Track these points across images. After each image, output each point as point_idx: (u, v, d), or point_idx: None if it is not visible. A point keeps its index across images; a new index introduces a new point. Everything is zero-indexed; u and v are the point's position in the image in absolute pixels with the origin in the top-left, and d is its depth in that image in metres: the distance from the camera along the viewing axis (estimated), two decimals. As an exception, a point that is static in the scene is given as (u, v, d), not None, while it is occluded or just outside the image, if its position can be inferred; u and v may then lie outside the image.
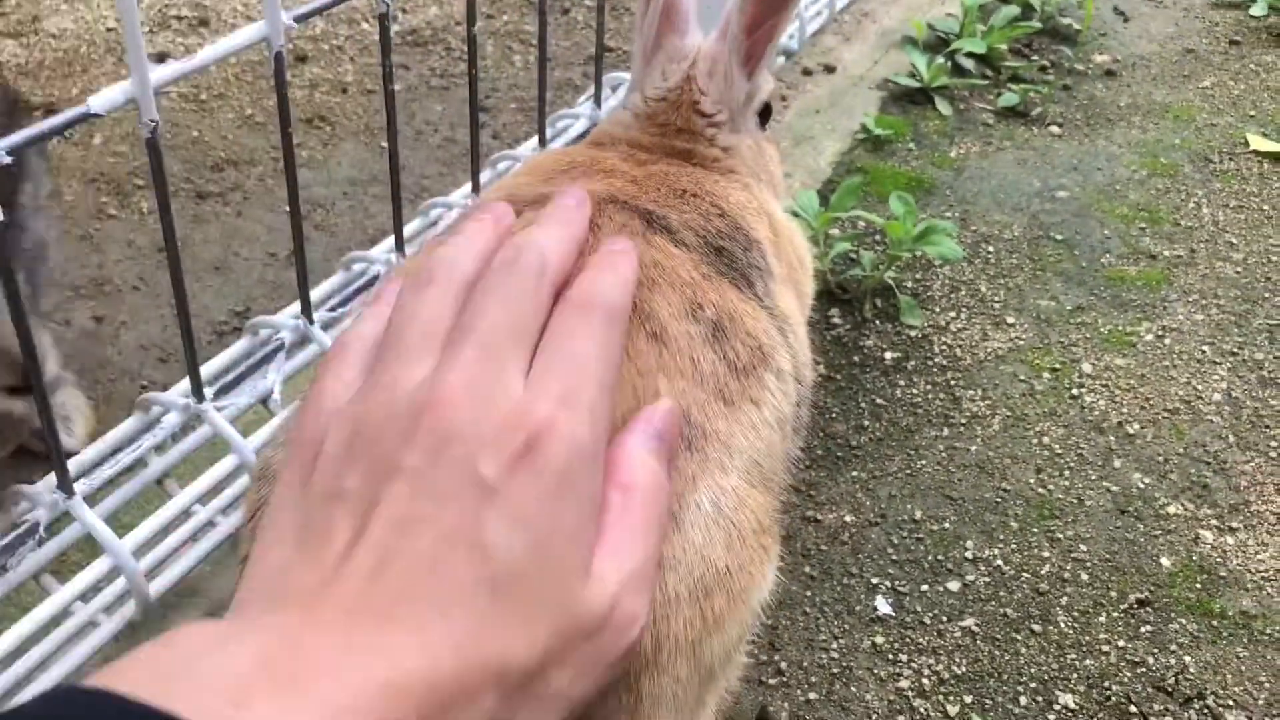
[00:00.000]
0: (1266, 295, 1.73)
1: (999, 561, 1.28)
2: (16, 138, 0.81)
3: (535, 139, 1.59)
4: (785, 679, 1.15)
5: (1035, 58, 2.44)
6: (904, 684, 1.15)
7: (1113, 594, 1.25)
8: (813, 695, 1.13)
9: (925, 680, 1.15)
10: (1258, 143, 2.14)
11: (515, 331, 0.56)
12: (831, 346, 1.59)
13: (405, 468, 0.51)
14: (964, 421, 1.47)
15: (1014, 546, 1.30)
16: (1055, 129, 2.19)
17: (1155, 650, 1.19)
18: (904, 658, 1.17)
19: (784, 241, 1.01)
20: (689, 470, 0.66)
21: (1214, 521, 1.34)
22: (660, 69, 1.02)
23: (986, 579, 1.26)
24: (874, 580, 1.25)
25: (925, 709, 1.12)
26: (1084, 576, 1.27)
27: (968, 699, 1.13)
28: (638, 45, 1.03)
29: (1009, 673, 1.16)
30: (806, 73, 2.30)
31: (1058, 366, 1.57)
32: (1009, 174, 2.03)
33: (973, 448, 1.43)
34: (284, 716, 0.40)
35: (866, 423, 1.47)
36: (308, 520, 0.52)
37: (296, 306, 1.25)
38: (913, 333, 1.62)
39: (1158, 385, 1.55)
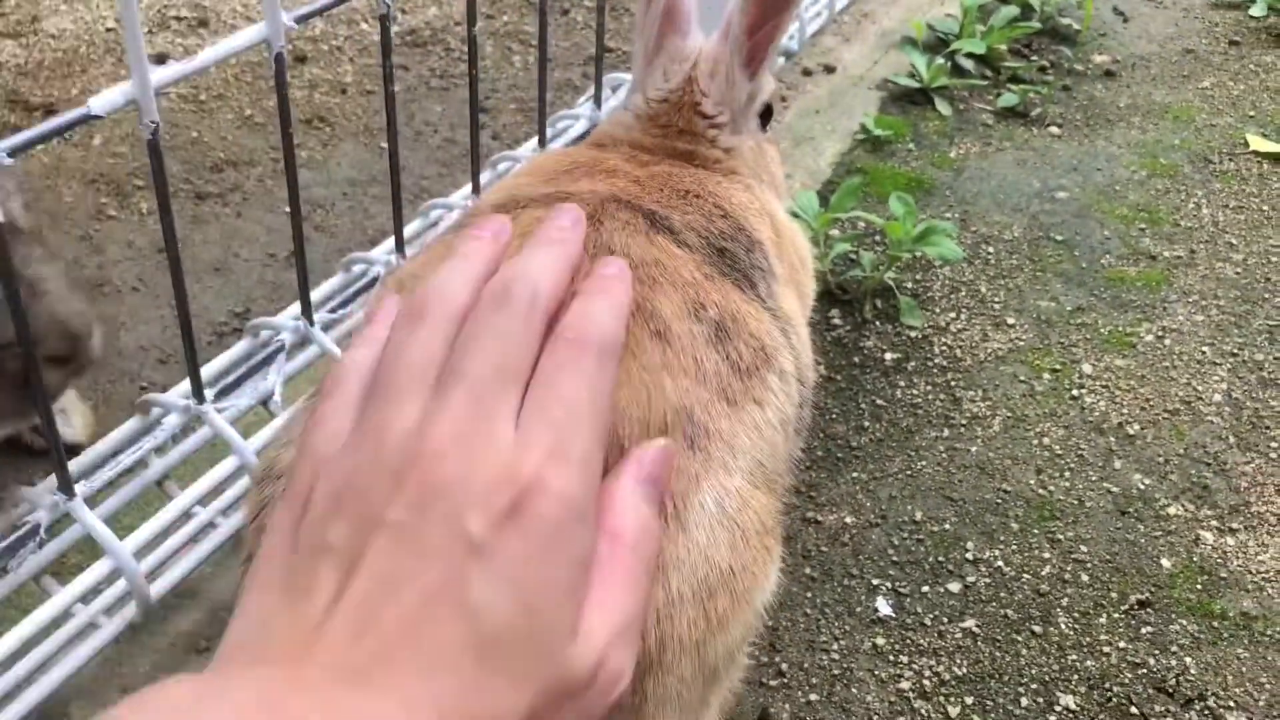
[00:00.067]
0: (1266, 296, 1.73)
1: (1000, 563, 1.28)
2: (18, 139, 0.81)
3: (535, 140, 1.59)
4: (786, 680, 1.14)
5: (1035, 58, 2.44)
6: (905, 685, 1.15)
7: (1113, 595, 1.25)
8: (814, 696, 1.13)
9: (926, 681, 1.15)
10: (1257, 143, 2.14)
11: (505, 373, 0.55)
12: (832, 347, 1.59)
13: (391, 522, 0.50)
14: (964, 422, 1.47)
15: (1015, 548, 1.30)
16: (1055, 129, 2.19)
17: (1156, 651, 1.19)
18: (905, 659, 1.17)
19: (786, 242, 1.01)
20: (692, 469, 0.66)
21: (1214, 522, 1.34)
22: (662, 70, 1.02)
23: (987, 580, 1.26)
24: (875, 581, 1.25)
25: (926, 710, 1.12)
26: (1084, 577, 1.27)
27: (969, 700, 1.13)
28: (639, 46, 1.03)
29: (1010, 674, 1.16)
30: (806, 73, 2.30)
31: (1058, 367, 1.57)
32: (1009, 174, 2.03)
33: (973, 449, 1.43)
34: None
35: (867, 424, 1.47)
36: (293, 572, 0.51)
37: (297, 308, 1.25)
38: (913, 333, 1.62)
39: (1158, 386, 1.55)
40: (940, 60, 2.29)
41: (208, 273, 1.71)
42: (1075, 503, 1.36)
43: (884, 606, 1.23)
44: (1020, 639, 1.20)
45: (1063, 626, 1.21)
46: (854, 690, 1.14)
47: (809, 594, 1.24)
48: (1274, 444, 1.46)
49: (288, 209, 1.15)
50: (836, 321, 1.64)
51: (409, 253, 1.35)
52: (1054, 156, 2.10)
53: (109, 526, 1.02)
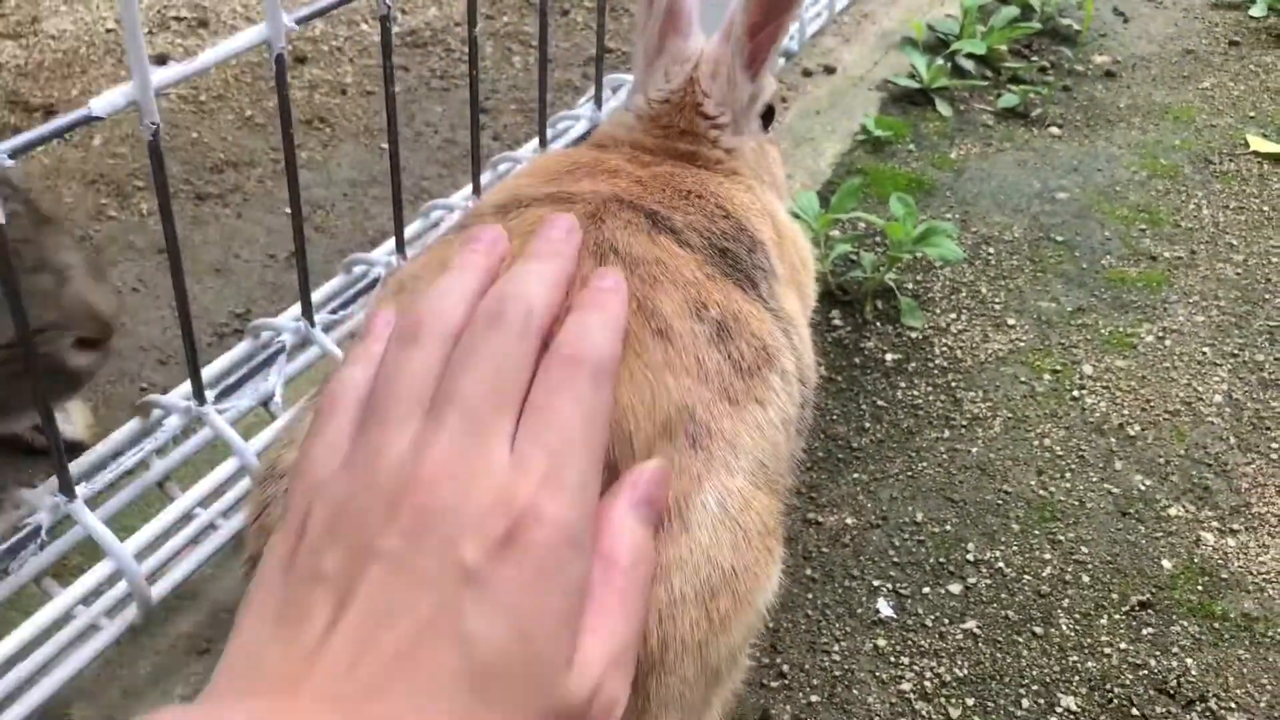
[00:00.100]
0: (1267, 297, 1.73)
1: (1000, 564, 1.28)
2: (19, 140, 0.81)
3: (536, 140, 1.59)
4: (787, 681, 1.14)
5: (1035, 59, 2.44)
6: (906, 686, 1.15)
7: (1114, 596, 1.25)
8: (814, 698, 1.13)
9: (927, 683, 1.15)
10: (1257, 144, 2.14)
11: (499, 396, 0.55)
12: (832, 348, 1.59)
13: (385, 551, 0.49)
14: (965, 423, 1.47)
15: (1015, 549, 1.30)
16: (1055, 130, 2.19)
17: (1157, 653, 1.19)
18: (906, 660, 1.17)
19: (787, 243, 1.01)
20: (694, 469, 0.66)
21: (1215, 524, 1.34)
22: (663, 71, 1.02)
23: (988, 581, 1.26)
24: (875, 582, 1.25)
25: (927, 712, 1.12)
26: (1085, 579, 1.27)
27: (970, 701, 1.13)
28: (640, 47, 1.03)
29: (1011, 675, 1.16)
30: (806, 74, 2.30)
31: (1059, 368, 1.57)
32: (1009, 175, 2.03)
33: (974, 450, 1.43)
34: None
35: (867, 424, 1.47)
36: (287, 601, 0.51)
37: (297, 309, 1.24)
38: (913, 334, 1.62)
39: (1159, 387, 1.55)
40: (940, 61, 2.29)
41: (208, 273, 1.71)
42: (1076, 504, 1.36)
43: (885, 608, 1.22)
44: (1021, 640, 1.20)
45: (1064, 628, 1.21)
46: (855, 691, 1.14)
47: (810, 595, 1.24)
48: (1275, 445, 1.46)
49: (288, 210, 1.15)
50: (837, 322, 1.64)
51: (410, 254, 1.35)
52: (1054, 157, 2.10)
53: (109, 528, 1.02)
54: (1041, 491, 1.38)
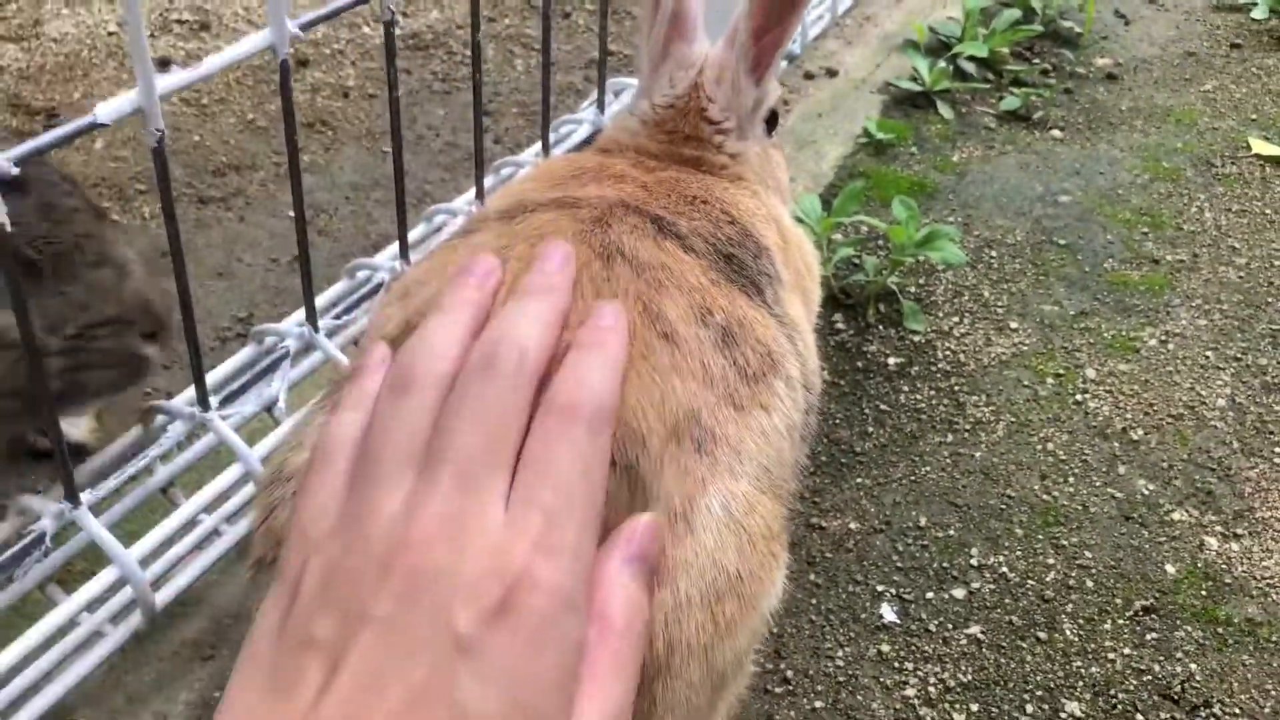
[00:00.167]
0: (1269, 300, 1.73)
1: (1004, 568, 1.28)
2: (24, 147, 0.81)
3: (538, 144, 1.59)
4: (791, 687, 1.14)
5: (1037, 61, 2.44)
6: (910, 692, 1.14)
7: (1118, 601, 1.25)
8: (819, 704, 1.13)
9: (931, 688, 1.15)
10: (1260, 146, 2.14)
11: (493, 451, 0.54)
12: (835, 352, 1.59)
13: (377, 617, 0.49)
14: (968, 427, 1.47)
15: (1019, 553, 1.30)
16: (1057, 133, 2.19)
17: (1161, 658, 1.19)
18: (910, 666, 1.17)
19: (792, 248, 1.01)
20: (699, 473, 0.66)
21: (1219, 528, 1.34)
22: (668, 76, 1.02)
23: (992, 586, 1.26)
24: (879, 587, 1.25)
25: (931, 717, 1.12)
26: (1089, 583, 1.27)
27: (974, 707, 1.13)
28: (645, 52, 1.03)
29: (1015, 681, 1.16)
30: (808, 76, 2.30)
31: (1061, 372, 1.57)
32: (1011, 178, 2.03)
33: (977, 454, 1.43)
34: None
35: (870, 429, 1.47)
36: (278, 666, 0.50)
37: (301, 314, 1.24)
38: (916, 338, 1.62)
39: (1161, 391, 1.55)
40: (942, 63, 2.29)
41: (210, 277, 1.71)
42: (1079, 508, 1.36)
43: (889, 613, 1.22)
44: (1025, 645, 1.20)
45: (1067, 633, 1.21)
46: (859, 697, 1.14)
47: (814, 600, 1.23)
48: (1278, 449, 1.46)
49: (290, 213, 1.15)
50: (840, 326, 1.64)
51: (413, 258, 1.35)
52: (1056, 160, 2.10)
53: (113, 534, 1.02)
54: (1045, 496, 1.38)
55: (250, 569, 0.71)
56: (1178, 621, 1.23)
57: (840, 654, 1.18)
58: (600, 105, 1.69)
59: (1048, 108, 2.27)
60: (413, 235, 1.40)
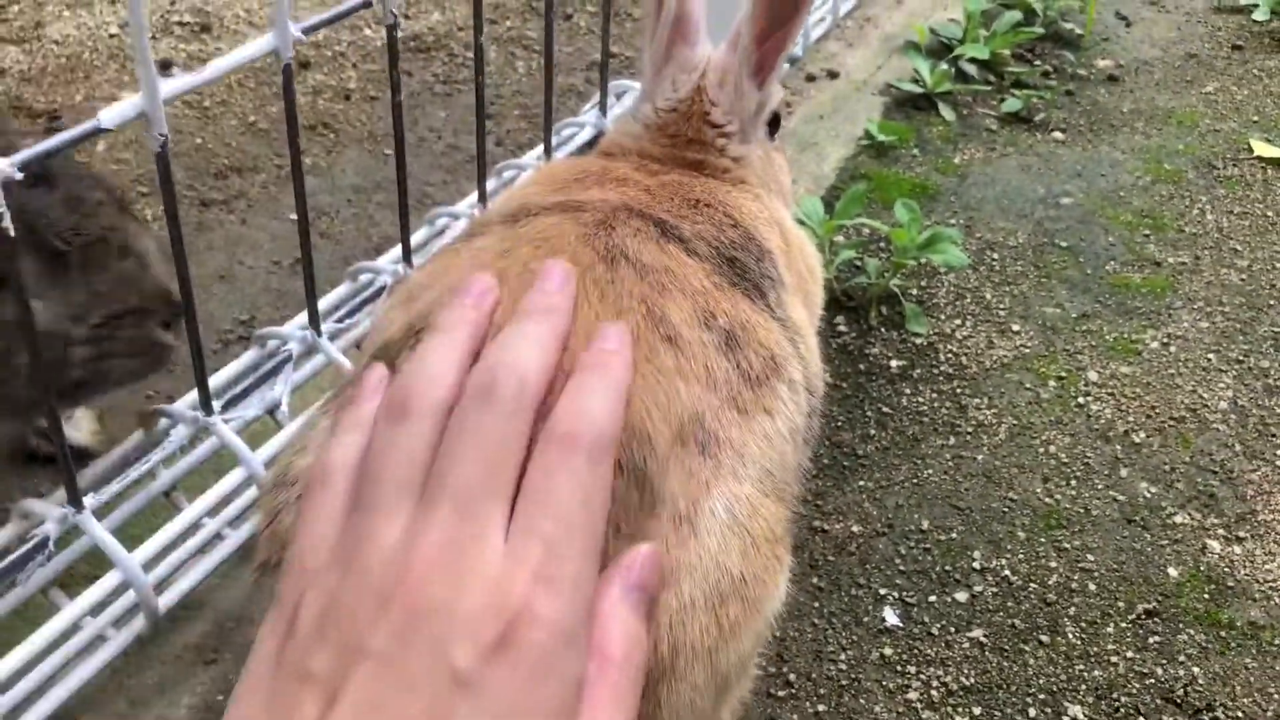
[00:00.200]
0: (1271, 303, 1.73)
1: (1006, 572, 1.28)
2: (28, 153, 0.81)
3: (540, 147, 1.59)
4: (794, 690, 1.14)
5: (1038, 63, 2.44)
6: (913, 696, 1.14)
7: (1120, 604, 1.25)
8: (821, 707, 1.13)
9: (934, 692, 1.15)
10: (1261, 148, 2.14)
11: (492, 481, 0.53)
12: (837, 354, 1.59)
13: (374, 651, 0.48)
14: (970, 430, 1.47)
15: (1021, 557, 1.30)
16: (1059, 135, 2.19)
17: (1164, 661, 1.19)
18: (912, 669, 1.17)
19: (795, 251, 1.01)
20: (703, 476, 0.67)
21: (1221, 531, 1.34)
22: (670, 80, 1.02)
23: (994, 589, 1.26)
24: (882, 591, 1.25)
25: (934, 720, 1.12)
26: (1091, 587, 1.27)
27: (976, 710, 1.13)
28: (648, 56, 1.03)
29: (1018, 684, 1.16)
30: (810, 78, 2.30)
31: (1063, 375, 1.57)
32: (1013, 180, 2.03)
33: (979, 457, 1.43)
34: None
35: (873, 431, 1.47)
36: (275, 700, 0.50)
37: (304, 317, 1.24)
38: (918, 340, 1.62)
39: (1163, 394, 1.55)
40: (944, 65, 2.29)
41: (213, 280, 1.71)
42: (1082, 511, 1.36)
43: (891, 616, 1.22)
44: (1028, 649, 1.20)
45: (1070, 636, 1.21)
46: (862, 701, 1.14)
47: (816, 604, 1.23)
48: (1280, 452, 1.46)
49: (292, 216, 1.15)
50: (842, 328, 1.64)
51: (415, 261, 1.35)
52: (1058, 162, 2.10)
53: (116, 538, 1.02)
54: (1047, 499, 1.38)
55: (255, 572, 0.71)
56: (1180, 625, 1.23)
57: (843, 657, 1.18)
58: (602, 108, 1.69)
59: (1049, 110, 2.27)
60: (415, 238, 1.40)
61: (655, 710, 0.63)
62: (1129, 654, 1.19)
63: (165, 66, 2.22)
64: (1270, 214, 1.96)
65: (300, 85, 2.21)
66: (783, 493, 0.74)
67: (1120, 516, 1.35)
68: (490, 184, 1.50)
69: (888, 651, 1.19)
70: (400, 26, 1.16)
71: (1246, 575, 1.29)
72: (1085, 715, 1.13)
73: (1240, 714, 1.14)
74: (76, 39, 2.32)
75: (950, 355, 1.60)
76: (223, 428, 1.12)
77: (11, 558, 0.97)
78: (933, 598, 1.25)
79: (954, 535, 1.32)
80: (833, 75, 2.32)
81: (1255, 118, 2.27)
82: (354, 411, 0.62)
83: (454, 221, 1.46)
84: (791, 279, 0.95)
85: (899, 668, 1.17)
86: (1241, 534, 1.34)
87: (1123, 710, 1.14)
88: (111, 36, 2.34)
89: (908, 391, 1.53)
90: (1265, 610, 1.24)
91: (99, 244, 0.97)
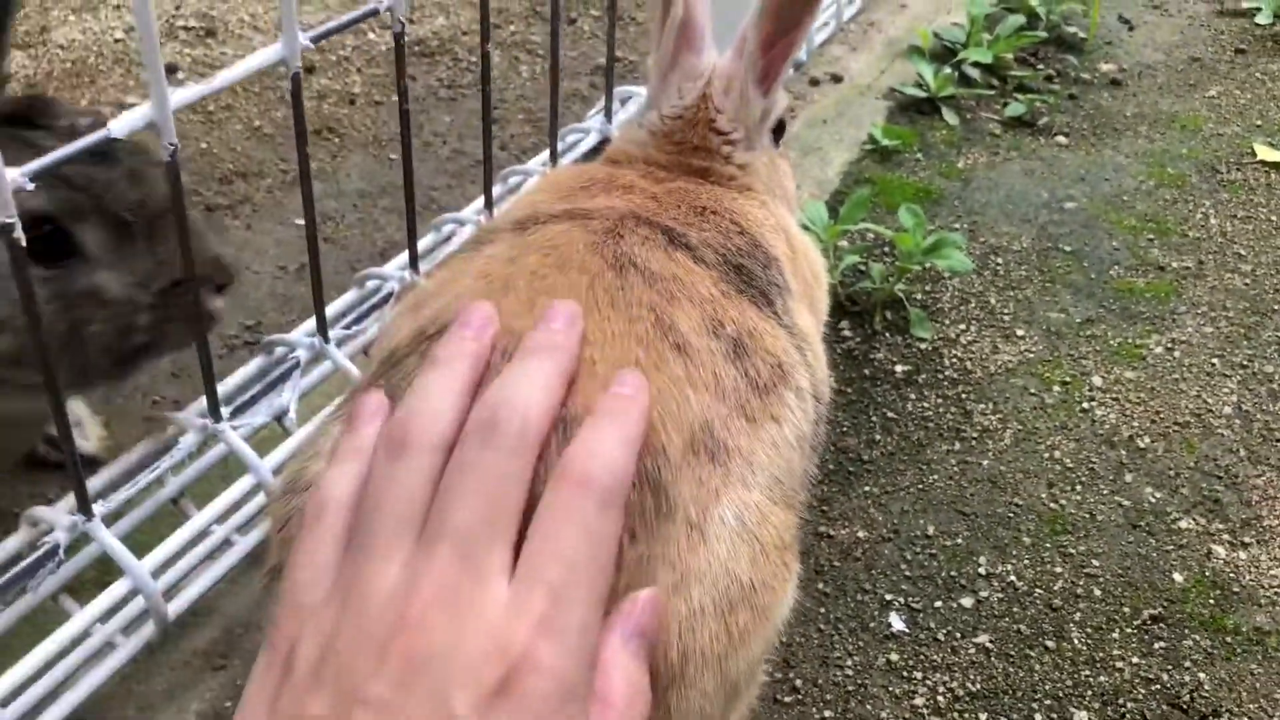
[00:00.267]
0: (1276, 307, 1.73)
1: (1012, 577, 1.28)
2: (40, 162, 0.81)
3: (546, 153, 1.59)
4: (800, 697, 1.15)
5: (1041, 67, 2.44)
6: (919, 701, 1.15)
7: (1126, 610, 1.25)
8: (828, 713, 1.13)
9: (940, 697, 1.15)
10: (1265, 152, 2.14)
11: (493, 523, 0.53)
12: (842, 359, 1.59)
13: (372, 699, 0.48)
14: (975, 435, 1.48)
15: (1027, 562, 1.30)
16: (1062, 139, 2.19)
17: (1169, 667, 1.19)
18: (919, 675, 1.17)
19: (800, 258, 1.02)
20: (712, 484, 0.67)
21: (1226, 536, 1.34)
22: (676, 87, 1.02)
23: (1000, 595, 1.26)
24: (887, 596, 1.25)
25: (941, 726, 1.12)
26: (1097, 592, 1.27)
27: (982, 716, 1.13)
28: (653, 63, 1.04)
29: (1023, 690, 1.16)
30: (814, 83, 2.31)
31: (1068, 379, 1.58)
32: (1017, 184, 2.03)
33: (984, 462, 1.43)
34: None
35: (878, 437, 1.47)
36: None
37: (311, 323, 1.25)
38: (923, 345, 1.62)
39: (1168, 398, 1.55)
40: (947, 69, 2.29)
41: (218, 285, 1.71)
42: (1087, 516, 1.36)
43: (897, 622, 1.23)
44: (1033, 654, 1.20)
45: (1075, 641, 1.21)
46: (868, 707, 1.14)
47: (822, 609, 1.24)
48: (1285, 457, 1.46)
49: (298, 221, 1.15)
50: (847, 333, 1.64)
51: (422, 268, 1.36)
52: (1061, 166, 2.10)
53: (125, 545, 1.02)
54: (1052, 504, 1.38)
55: (264, 577, 0.71)
56: (1186, 630, 1.23)
57: (849, 663, 1.18)
58: (607, 113, 1.69)
59: (1052, 114, 2.27)
60: (421, 245, 1.40)
61: (665, 717, 0.64)
62: (1135, 659, 1.20)
63: (170, 71, 2.22)
64: (1274, 218, 1.96)
65: (305, 90, 2.21)
66: (791, 500, 0.74)
67: (1125, 522, 1.36)
68: (496, 189, 1.51)
69: (894, 657, 1.19)
70: (405, 32, 1.16)
71: (1252, 580, 1.29)
72: (1091, 721, 1.13)
73: (1246, 719, 1.14)
74: (82, 44, 2.33)
75: (955, 360, 1.60)
76: (231, 435, 1.12)
77: (22, 565, 0.98)
78: (938, 603, 1.25)
79: (959, 540, 1.32)
80: (836, 79, 2.33)
81: (1259, 121, 2.27)
82: (351, 438, 0.61)
83: (460, 227, 1.46)
84: (797, 285, 0.95)
85: (905, 673, 1.17)
86: (1246, 539, 1.34)
87: (1129, 716, 1.14)
88: (117, 41, 2.35)
89: (912, 397, 1.54)
90: (1271, 616, 1.25)
91: (161, 215, 1.01)
